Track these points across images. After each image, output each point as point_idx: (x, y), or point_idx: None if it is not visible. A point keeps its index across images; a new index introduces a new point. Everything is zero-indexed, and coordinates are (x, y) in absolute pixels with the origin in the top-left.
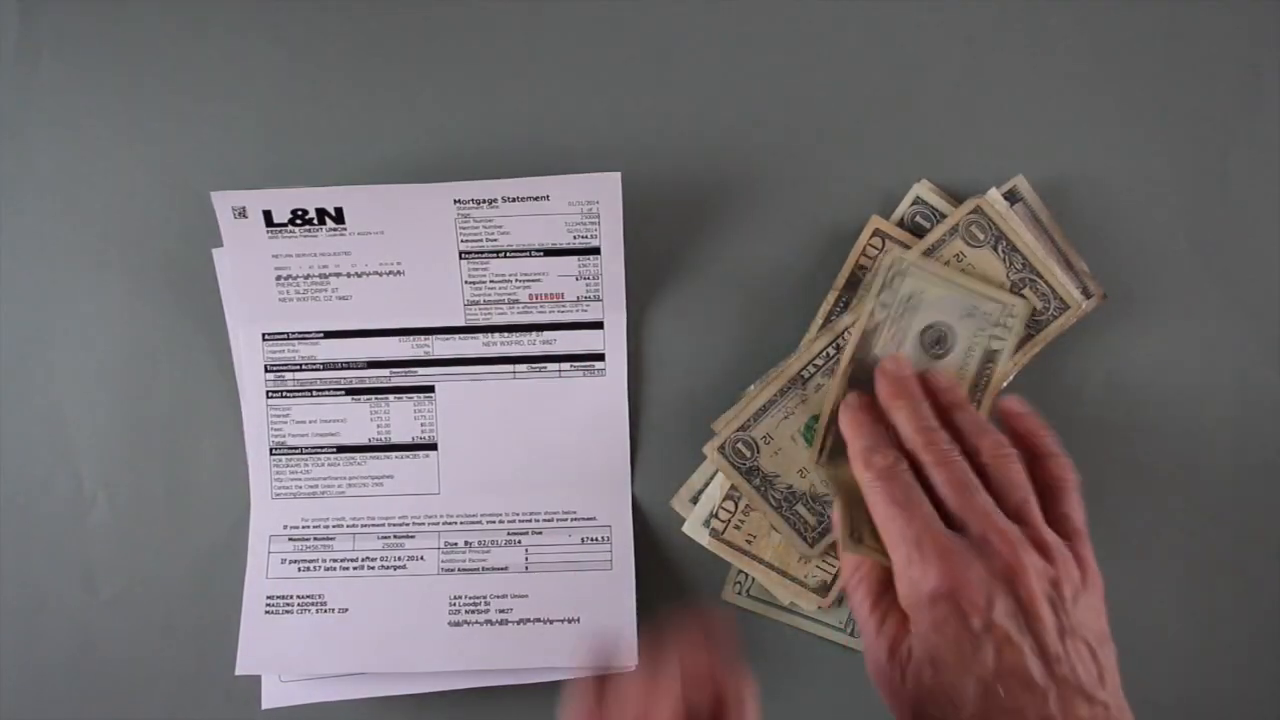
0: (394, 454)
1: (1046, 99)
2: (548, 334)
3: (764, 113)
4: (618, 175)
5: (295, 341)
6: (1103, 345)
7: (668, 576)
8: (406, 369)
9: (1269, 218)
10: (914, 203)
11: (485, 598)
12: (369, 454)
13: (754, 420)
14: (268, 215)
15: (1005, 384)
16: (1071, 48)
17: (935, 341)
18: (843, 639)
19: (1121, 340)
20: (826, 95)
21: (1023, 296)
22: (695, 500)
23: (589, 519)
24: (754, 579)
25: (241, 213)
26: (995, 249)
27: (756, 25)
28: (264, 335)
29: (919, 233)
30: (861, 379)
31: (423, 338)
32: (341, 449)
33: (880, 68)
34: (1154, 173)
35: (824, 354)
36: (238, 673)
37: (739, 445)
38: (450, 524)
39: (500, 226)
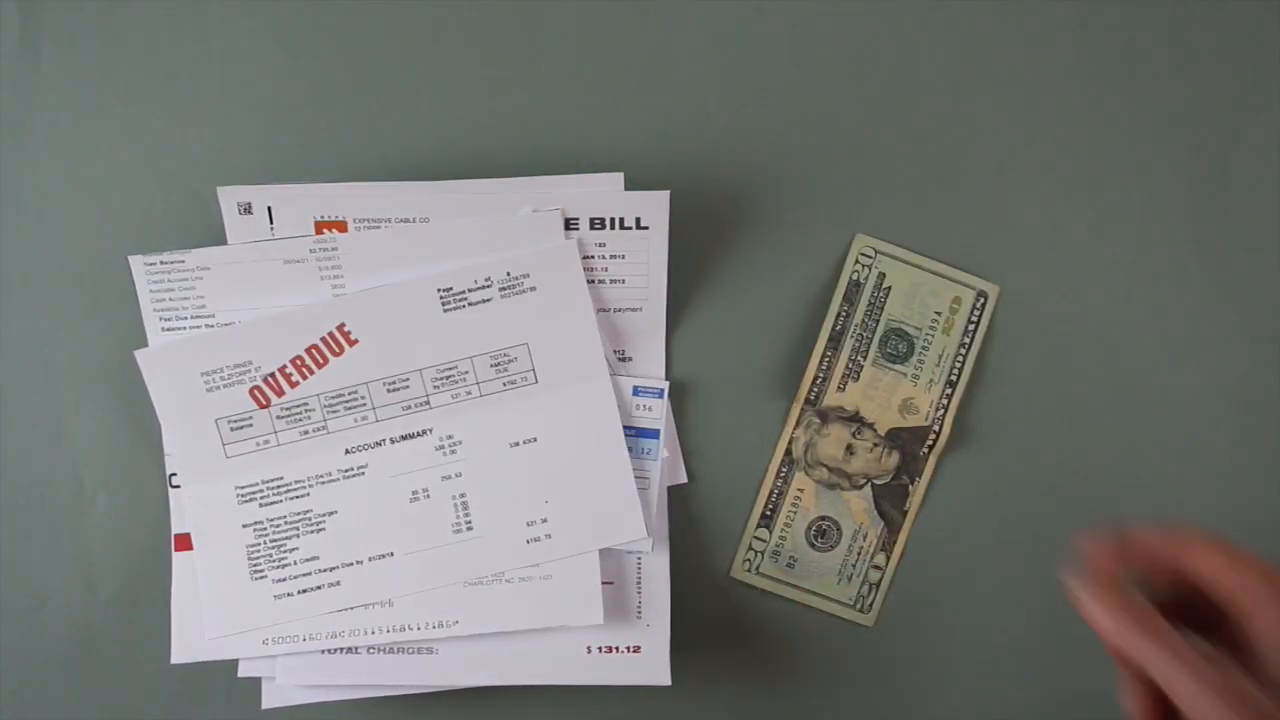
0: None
1: (1047, 99)
2: None
3: (764, 116)
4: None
5: None
6: (1102, 345)
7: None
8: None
9: (1269, 218)
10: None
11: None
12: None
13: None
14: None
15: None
16: (1071, 48)
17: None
18: (851, 615)
19: (1121, 340)
20: (826, 97)
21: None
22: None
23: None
24: (763, 556)
25: (247, 209)
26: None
27: (759, 27)
28: None
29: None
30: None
31: None
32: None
33: (882, 68)
34: (1154, 173)
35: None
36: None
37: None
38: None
39: None
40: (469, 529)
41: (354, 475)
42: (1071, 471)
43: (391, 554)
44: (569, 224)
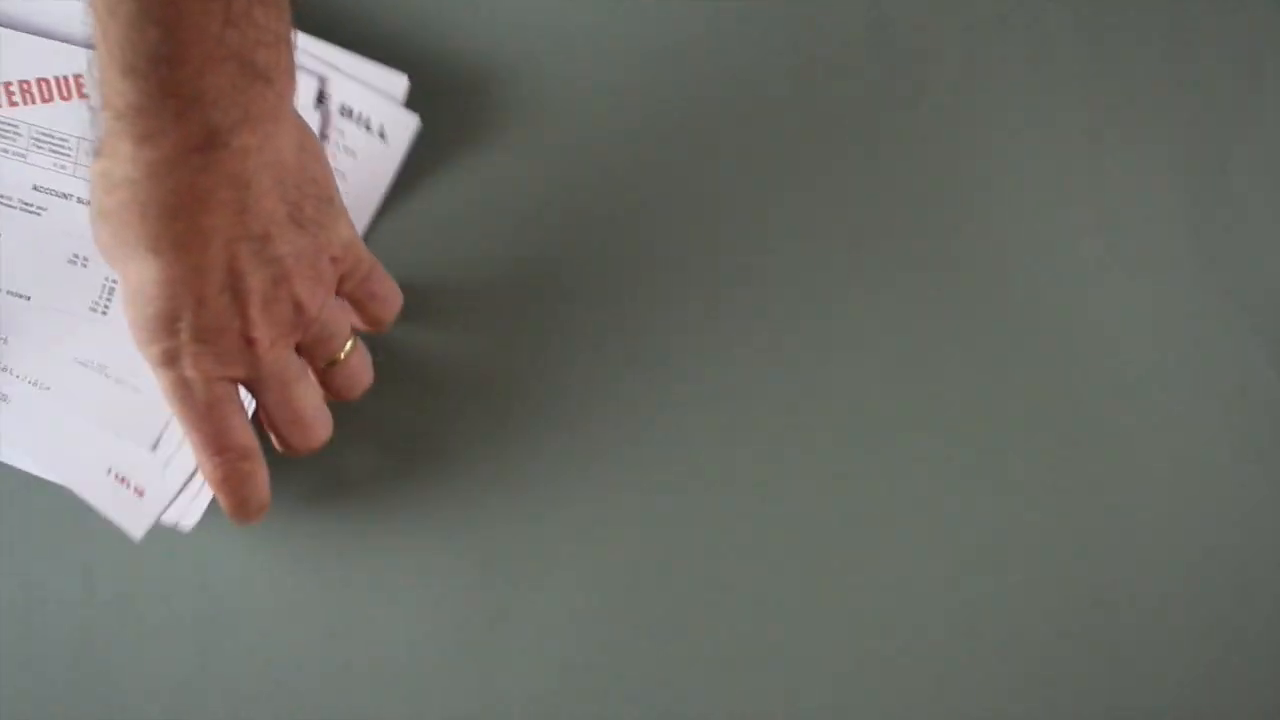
0: None
1: (1046, 98)
2: None
3: (760, 112)
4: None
5: None
6: (1102, 345)
7: None
8: None
9: (1269, 218)
10: None
11: None
12: None
13: None
14: None
15: None
16: (1071, 47)
17: None
18: None
19: (1121, 340)
20: (825, 89)
21: None
22: None
23: None
24: None
25: None
26: None
27: (756, 25)
28: None
29: None
30: None
31: None
32: None
33: (881, 67)
34: (1154, 173)
35: None
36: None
37: None
38: None
39: None
40: (104, 313)
41: (32, 211)
42: (1069, 472)
43: (30, 298)
44: (322, 96)
